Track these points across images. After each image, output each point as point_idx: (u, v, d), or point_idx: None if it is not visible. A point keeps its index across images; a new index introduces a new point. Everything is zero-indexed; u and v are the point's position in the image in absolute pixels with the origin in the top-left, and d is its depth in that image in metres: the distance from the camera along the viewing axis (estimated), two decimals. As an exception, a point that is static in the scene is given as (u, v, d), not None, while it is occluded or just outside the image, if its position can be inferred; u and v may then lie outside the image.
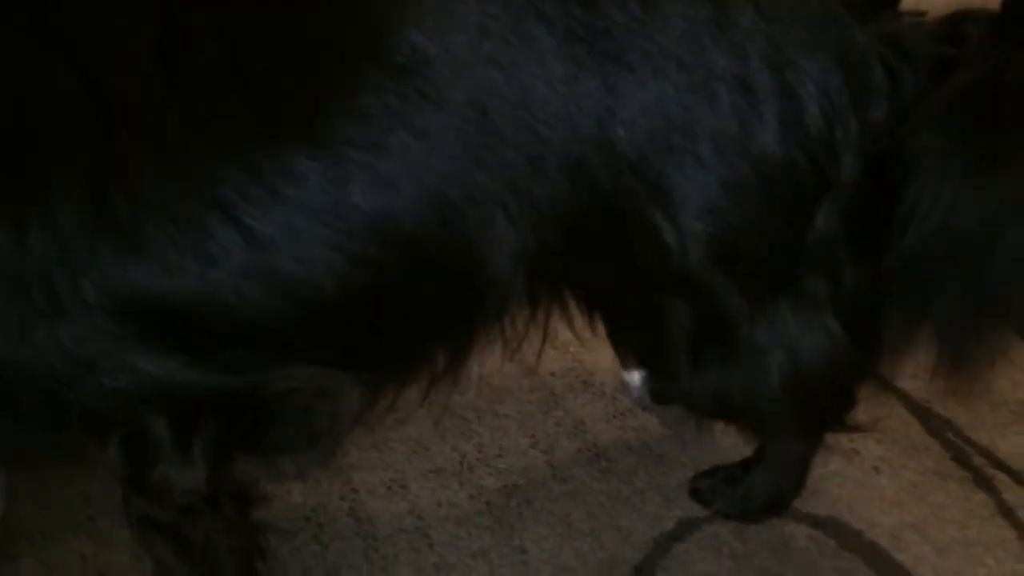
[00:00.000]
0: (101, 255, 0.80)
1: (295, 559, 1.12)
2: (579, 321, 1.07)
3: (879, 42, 0.92)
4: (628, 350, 1.16)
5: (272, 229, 0.82)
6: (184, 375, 0.85)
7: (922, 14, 0.98)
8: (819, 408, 1.08)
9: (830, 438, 1.29)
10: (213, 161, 0.81)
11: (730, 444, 1.31)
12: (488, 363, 1.12)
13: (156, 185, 0.81)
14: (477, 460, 1.31)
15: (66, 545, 1.14)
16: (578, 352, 1.51)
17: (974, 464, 1.31)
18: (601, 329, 1.33)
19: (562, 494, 1.25)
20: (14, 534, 1.16)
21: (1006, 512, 1.24)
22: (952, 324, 0.96)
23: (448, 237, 0.87)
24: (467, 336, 0.98)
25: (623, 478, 1.29)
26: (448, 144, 0.85)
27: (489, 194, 0.87)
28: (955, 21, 0.95)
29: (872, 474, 1.30)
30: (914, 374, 1.46)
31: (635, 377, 1.41)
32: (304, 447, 0.97)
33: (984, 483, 1.28)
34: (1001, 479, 1.29)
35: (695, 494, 1.26)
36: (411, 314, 0.93)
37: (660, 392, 1.40)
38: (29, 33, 0.83)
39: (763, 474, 1.23)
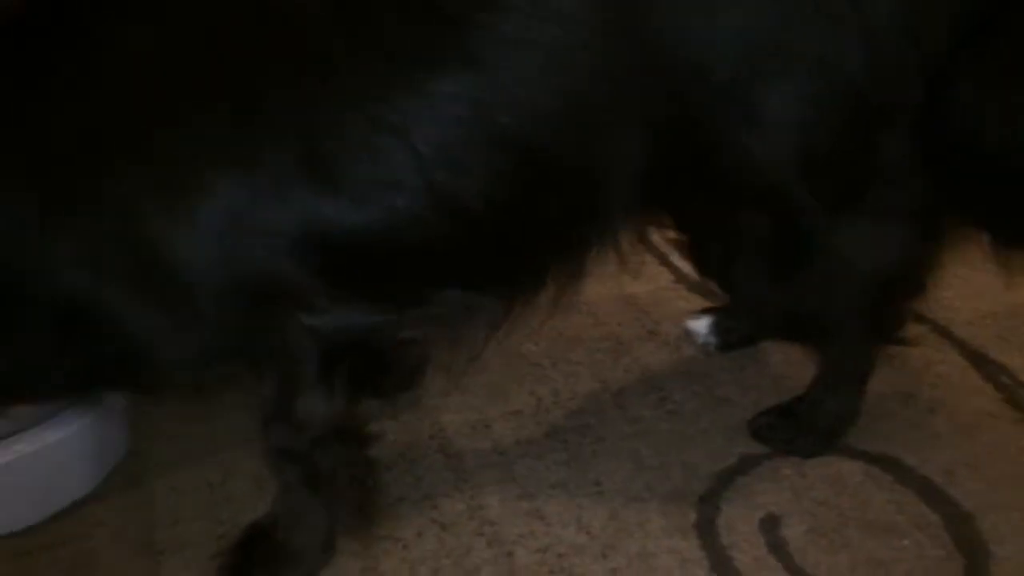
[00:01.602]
0: (302, 191, 0.88)
1: (393, 488, 1.24)
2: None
3: None
4: (710, 268, 1.24)
5: (434, 145, 0.90)
6: (347, 313, 0.94)
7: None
8: (888, 312, 1.16)
9: (885, 382, 1.35)
10: (385, 84, 0.89)
11: (789, 386, 1.37)
12: (559, 316, 1.21)
13: (345, 116, 0.88)
14: (553, 403, 1.41)
15: (194, 473, 1.27)
16: (644, 304, 1.60)
17: (1027, 405, 1.35)
18: (671, 280, 1.41)
19: (632, 433, 1.35)
20: (144, 464, 1.28)
21: (1056, 450, 1.28)
22: (1001, 223, 1.06)
23: (580, 154, 0.96)
24: (586, 251, 1.06)
25: (688, 419, 1.37)
26: (580, 67, 0.93)
27: (614, 116, 0.95)
28: None
29: (927, 415, 1.36)
30: (970, 321, 1.53)
31: (701, 324, 1.50)
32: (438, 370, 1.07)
33: (1036, 423, 1.33)
34: (1052, 419, 1.33)
35: (754, 433, 1.32)
36: (544, 227, 1.01)
37: (725, 338, 1.48)
38: None
39: (820, 400, 1.28)
